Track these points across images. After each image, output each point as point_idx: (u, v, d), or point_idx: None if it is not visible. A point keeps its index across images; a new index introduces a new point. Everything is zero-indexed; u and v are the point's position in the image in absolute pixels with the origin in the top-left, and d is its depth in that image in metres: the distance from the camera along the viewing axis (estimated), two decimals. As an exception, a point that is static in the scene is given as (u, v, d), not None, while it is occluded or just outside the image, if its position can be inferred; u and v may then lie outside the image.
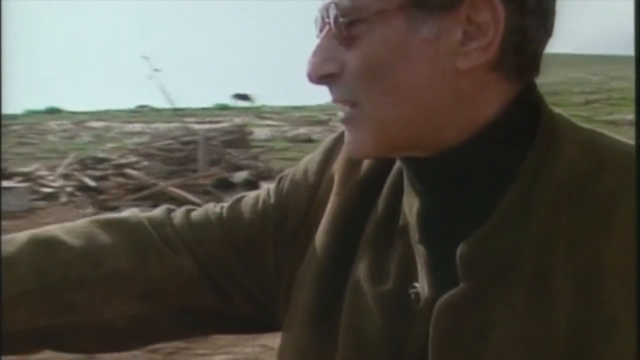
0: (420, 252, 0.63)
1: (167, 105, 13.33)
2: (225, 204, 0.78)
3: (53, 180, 9.14)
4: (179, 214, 0.77)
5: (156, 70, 11.47)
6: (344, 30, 0.59)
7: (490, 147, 0.60)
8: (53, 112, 22.89)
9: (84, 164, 9.83)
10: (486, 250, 0.59)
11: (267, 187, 0.77)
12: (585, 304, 0.56)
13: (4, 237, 0.71)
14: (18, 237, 0.72)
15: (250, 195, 0.77)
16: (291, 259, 0.72)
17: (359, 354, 0.64)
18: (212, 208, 0.77)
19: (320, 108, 18.07)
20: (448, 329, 0.59)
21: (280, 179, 0.77)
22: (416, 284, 0.62)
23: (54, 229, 0.74)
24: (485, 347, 0.57)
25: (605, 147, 0.61)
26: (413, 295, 0.62)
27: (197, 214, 0.76)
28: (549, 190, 0.59)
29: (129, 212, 0.78)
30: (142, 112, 21.36)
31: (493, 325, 0.57)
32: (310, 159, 0.76)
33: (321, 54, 0.61)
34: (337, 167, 0.72)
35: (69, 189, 8.76)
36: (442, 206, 0.63)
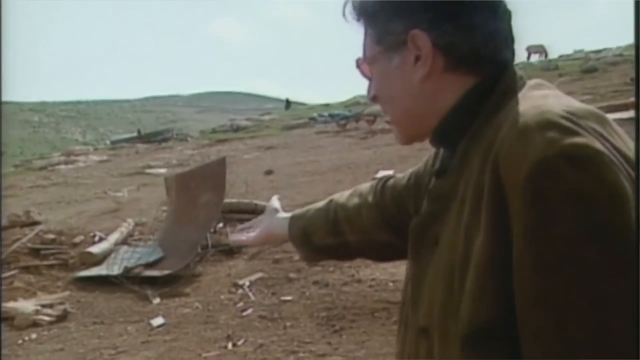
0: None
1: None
2: (406, 175, 1.25)
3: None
4: (379, 183, 1.31)
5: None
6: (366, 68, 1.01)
7: (452, 124, 0.92)
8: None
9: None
10: (441, 188, 0.95)
11: (417, 167, 1.22)
12: (473, 217, 0.83)
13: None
14: (325, 200, 1.39)
15: (410, 170, 1.24)
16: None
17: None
18: (395, 178, 1.28)
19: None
20: (418, 237, 0.97)
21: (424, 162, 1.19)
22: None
23: (338, 196, 1.38)
24: (437, 248, 0.91)
25: (517, 113, 0.82)
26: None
27: (386, 183, 1.30)
28: (479, 148, 0.86)
29: (365, 185, 1.37)
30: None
31: (442, 235, 0.90)
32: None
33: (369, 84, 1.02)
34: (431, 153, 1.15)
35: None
36: (441, 162, 1.00)
